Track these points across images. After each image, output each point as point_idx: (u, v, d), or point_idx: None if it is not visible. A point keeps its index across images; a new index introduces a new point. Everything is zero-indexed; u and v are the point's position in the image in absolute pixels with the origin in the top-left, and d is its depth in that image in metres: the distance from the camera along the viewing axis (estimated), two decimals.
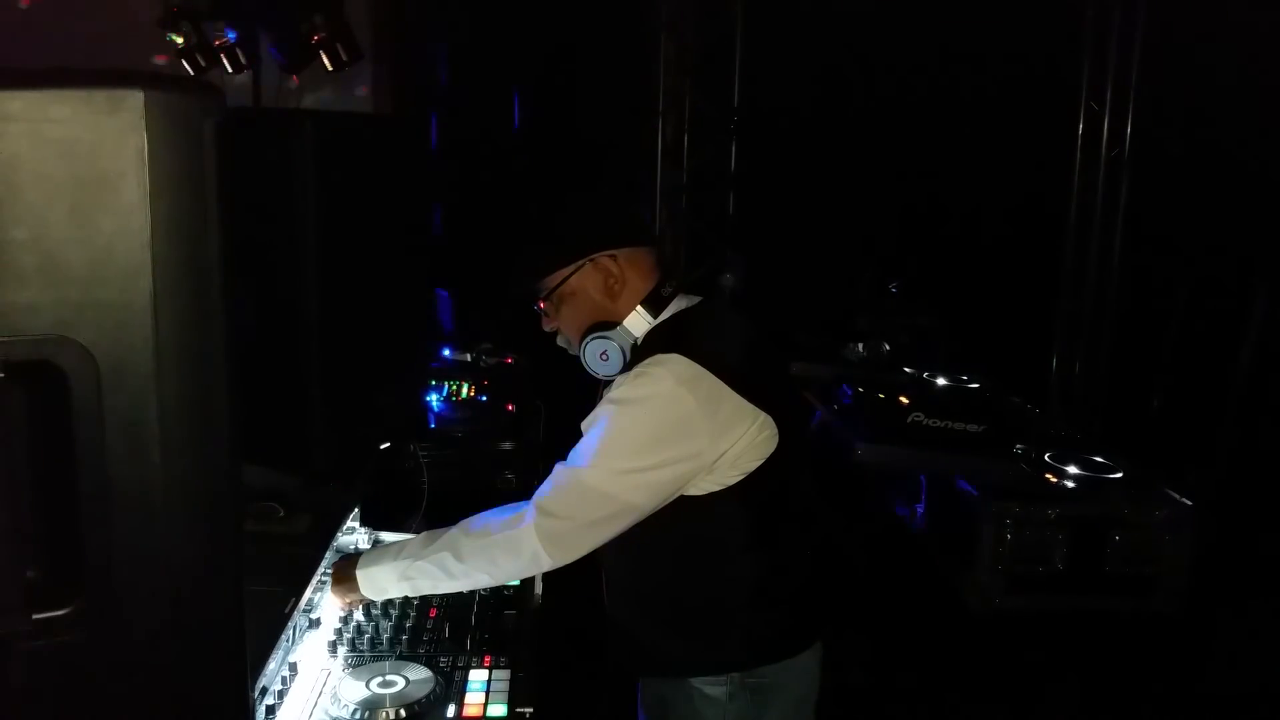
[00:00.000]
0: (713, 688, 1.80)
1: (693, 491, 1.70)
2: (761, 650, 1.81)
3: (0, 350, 0.88)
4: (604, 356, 1.77)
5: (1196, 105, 5.13)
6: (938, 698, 3.37)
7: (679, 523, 1.73)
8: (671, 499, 1.69)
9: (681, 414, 1.64)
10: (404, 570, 1.74)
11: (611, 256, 1.78)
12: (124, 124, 0.88)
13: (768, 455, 1.71)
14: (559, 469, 1.71)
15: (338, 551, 2.08)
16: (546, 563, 1.68)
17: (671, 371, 1.65)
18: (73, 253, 0.89)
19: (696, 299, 1.86)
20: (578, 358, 1.82)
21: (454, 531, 1.74)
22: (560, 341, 1.88)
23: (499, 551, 1.69)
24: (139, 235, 0.90)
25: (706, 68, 5.73)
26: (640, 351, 1.75)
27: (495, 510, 1.76)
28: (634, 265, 1.80)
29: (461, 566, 1.70)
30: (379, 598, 1.81)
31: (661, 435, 1.65)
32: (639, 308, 1.78)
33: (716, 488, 1.70)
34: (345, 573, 1.81)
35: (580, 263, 1.78)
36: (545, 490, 1.69)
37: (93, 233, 0.89)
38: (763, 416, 1.70)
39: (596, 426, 1.69)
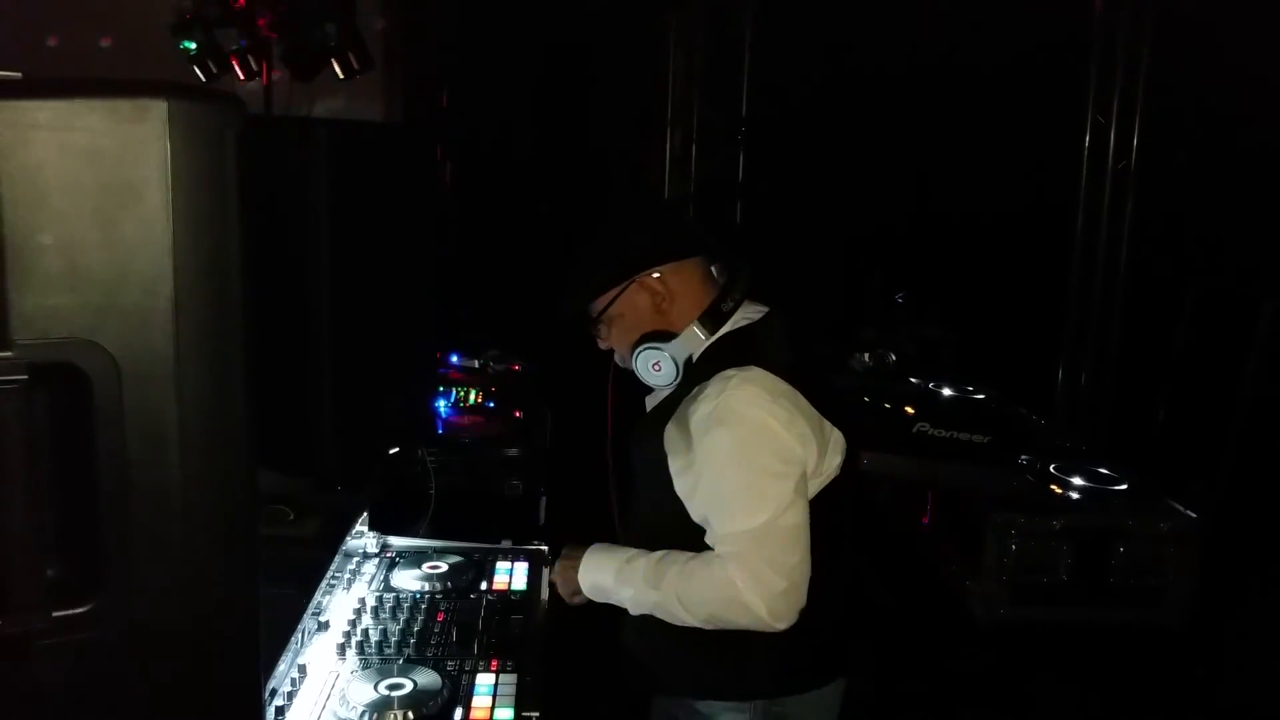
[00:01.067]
0: (733, 714, 1.79)
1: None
2: (787, 681, 1.80)
3: (25, 353, 0.90)
4: (656, 367, 1.76)
5: (1203, 118, 5.14)
6: (943, 708, 3.38)
7: (693, 531, 1.73)
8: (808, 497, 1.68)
9: (774, 423, 1.63)
10: (625, 599, 1.78)
11: (656, 275, 1.76)
12: (148, 133, 0.90)
13: (834, 474, 1.72)
14: (718, 538, 1.67)
15: (346, 555, 2.10)
16: (769, 619, 1.63)
17: (753, 382, 1.64)
18: (97, 258, 0.91)
19: (763, 309, 1.83)
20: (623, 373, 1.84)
21: (672, 582, 1.71)
22: (617, 359, 1.87)
23: (723, 612, 1.67)
24: (161, 241, 0.92)
25: (714, 78, 5.76)
26: (705, 365, 1.73)
27: (694, 558, 1.71)
28: (682, 279, 1.78)
29: (672, 608, 1.72)
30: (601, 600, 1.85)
31: (760, 440, 1.64)
32: (698, 324, 1.75)
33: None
34: (571, 563, 1.84)
35: (624, 285, 1.77)
36: (734, 570, 1.63)
37: (116, 238, 0.91)
38: (836, 433, 1.72)
39: (706, 469, 1.67)
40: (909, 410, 4.01)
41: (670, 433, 1.73)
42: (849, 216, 5.69)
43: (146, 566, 0.97)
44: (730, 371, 1.66)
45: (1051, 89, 5.53)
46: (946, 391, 4.60)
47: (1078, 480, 3.80)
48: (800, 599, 1.63)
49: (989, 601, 3.64)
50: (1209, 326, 5.29)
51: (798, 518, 1.64)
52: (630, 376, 1.85)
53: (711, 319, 1.76)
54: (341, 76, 4.47)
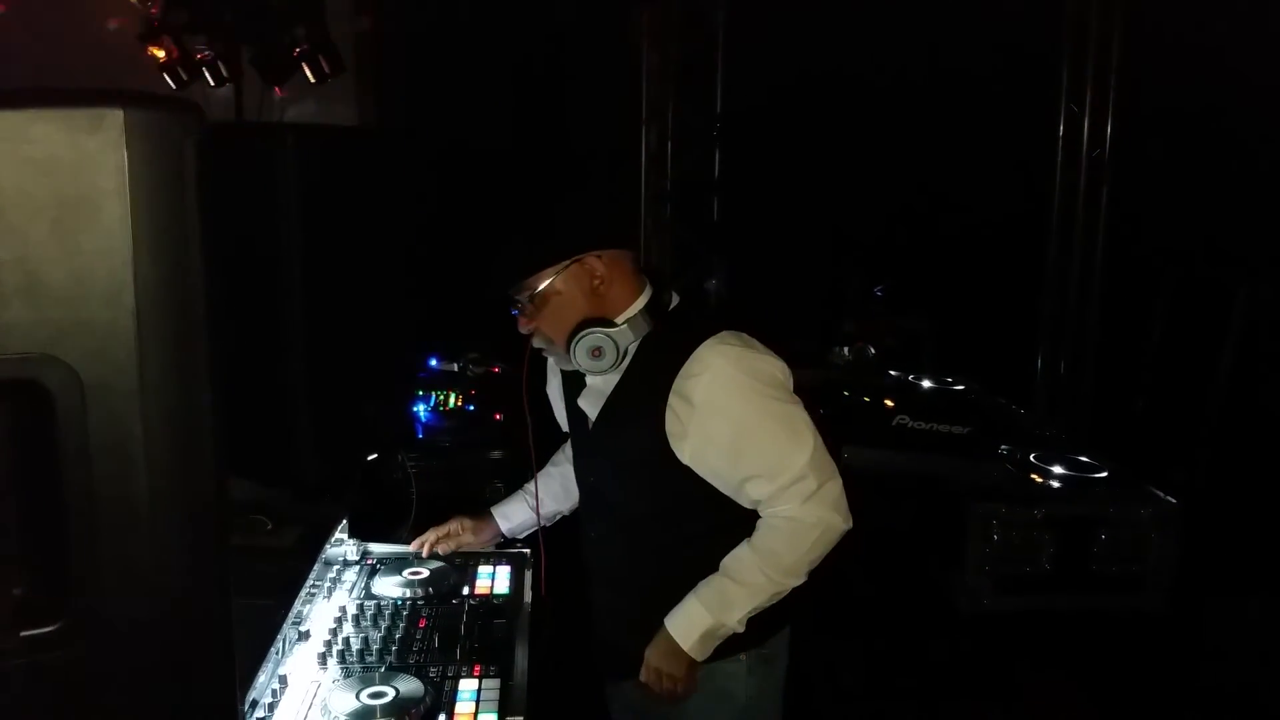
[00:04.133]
0: (731, 666, 1.86)
1: None
2: (769, 621, 1.86)
3: None
4: (597, 353, 1.77)
5: (1176, 106, 5.17)
6: (929, 698, 3.38)
7: (688, 510, 1.80)
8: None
9: (769, 365, 1.77)
10: (738, 617, 1.78)
11: (598, 257, 1.79)
12: (105, 142, 0.89)
13: None
14: (766, 488, 1.76)
15: (326, 563, 2.08)
16: (843, 525, 1.81)
17: (731, 342, 1.74)
18: (55, 271, 0.90)
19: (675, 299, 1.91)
20: (537, 356, 1.88)
21: (758, 579, 1.78)
22: (537, 341, 1.87)
23: (808, 551, 1.78)
24: (121, 253, 0.91)
25: (689, 76, 5.76)
26: (659, 347, 1.78)
27: (757, 541, 1.80)
28: (618, 267, 1.81)
29: (780, 585, 1.79)
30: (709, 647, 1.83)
31: (771, 389, 1.76)
32: (642, 315, 1.79)
33: None
34: (665, 655, 1.81)
35: (567, 263, 1.78)
36: (789, 501, 1.76)
37: (75, 251, 0.90)
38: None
39: (737, 435, 1.74)
40: (889, 403, 4.03)
41: (669, 415, 1.75)
42: (827, 211, 5.70)
43: (115, 584, 0.95)
44: (709, 341, 1.73)
45: (1025, 79, 5.55)
46: (926, 384, 4.62)
47: (1058, 469, 3.82)
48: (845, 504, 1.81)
49: (972, 592, 3.65)
50: (1185, 314, 5.33)
51: (817, 431, 1.79)
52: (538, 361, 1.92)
53: (655, 310, 1.81)
54: (313, 81, 4.44)
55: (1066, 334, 5.86)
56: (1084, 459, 3.92)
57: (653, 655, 1.82)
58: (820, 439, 1.78)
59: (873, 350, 4.83)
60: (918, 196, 5.79)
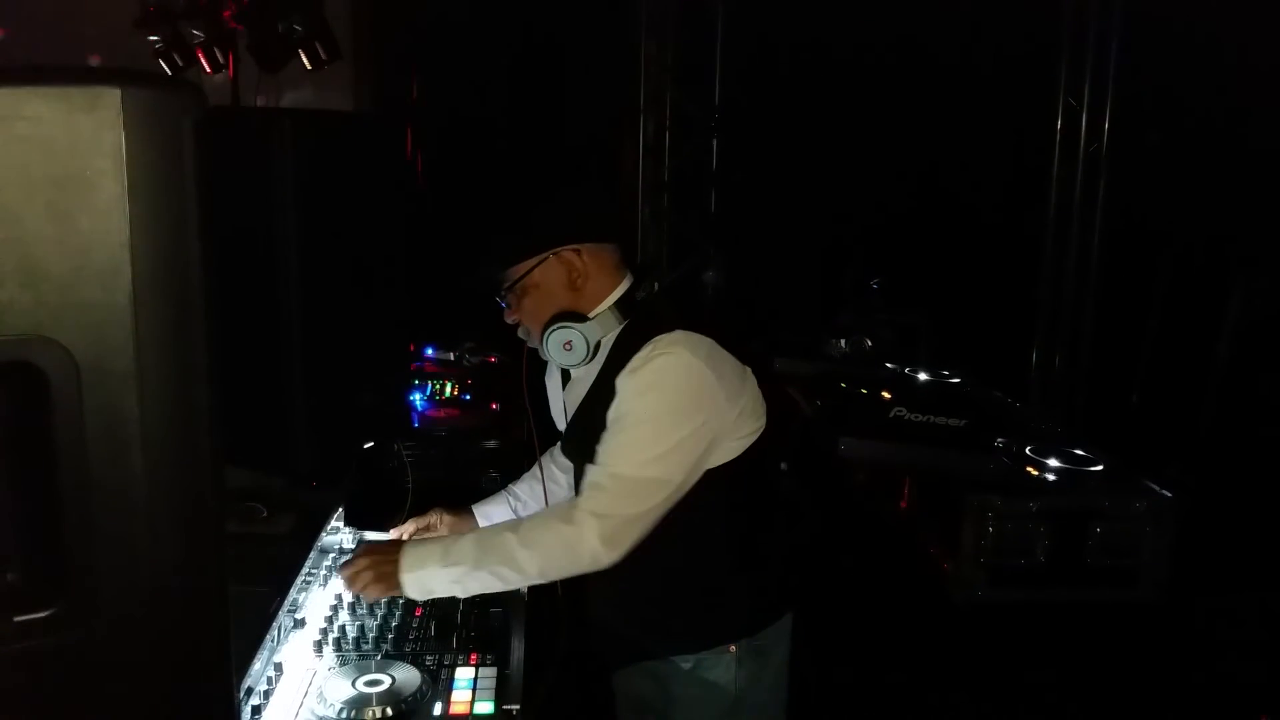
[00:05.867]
0: (719, 657, 1.86)
1: (713, 463, 1.77)
2: (761, 616, 1.89)
3: None
4: (568, 346, 1.80)
5: (1174, 101, 5.17)
6: (923, 691, 3.39)
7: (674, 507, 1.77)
8: (701, 470, 1.76)
9: (701, 381, 1.72)
10: (457, 577, 1.75)
11: (576, 251, 1.81)
12: (101, 121, 0.87)
13: (763, 424, 1.82)
14: (598, 472, 1.74)
15: (322, 551, 2.08)
16: (605, 561, 1.73)
17: (683, 346, 1.72)
18: (51, 252, 0.88)
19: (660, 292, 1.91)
20: (535, 349, 1.87)
21: (508, 540, 1.74)
22: (521, 333, 1.91)
23: (558, 560, 1.74)
24: (118, 234, 0.89)
25: (687, 66, 5.73)
26: (625, 344, 1.77)
27: (542, 516, 1.82)
28: (599, 261, 1.83)
29: (519, 576, 1.75)
30: (422, 598, 1.82)
31: (686, 405, 1.72)
32: (612, 309, 1.81)
33: (729, 458, 1.78)
34: (384, 561, 1.78)
35: (544, 255, 1.81)
36: (592, 495, 1.73)
37: (71, 232, 0.89)
38: (753, 378, 1.83)
39: (626, 420, 1.73)
40: (885, 395, 4.02)
41: (612, 407, 1.76)
42: (824, 203, 5.69)
43: (110, 569, 0.94)
44: (661, 338, 1.73)
45: (1023, 73, 5.55)
46: (922, 376, 4.62)
47: (1053, 462, 3.82)
48: (626, 546, 1.72)
49: (966, 583, 3.65)
50: (1181, 307, 5.33)
51: (675, 474, 1.72)
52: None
53: (626, 306, 1.82)
54: (309, 67, 4.42)
55: (1062, 327, 5.86)
56: (1079, 452, 3.92)
57: (370, 560, 1.80)
58: (680, 483, 1.72)
59: (869, 342, 4.83)
60: (915, 189, 5.79)
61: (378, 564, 1.79)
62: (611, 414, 1.76)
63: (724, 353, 1.77)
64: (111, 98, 0.87)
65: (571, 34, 5.69)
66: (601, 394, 1.80)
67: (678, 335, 1.73)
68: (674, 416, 1.71)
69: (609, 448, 1.74)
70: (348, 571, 1.82)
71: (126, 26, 4.50)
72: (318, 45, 4.36)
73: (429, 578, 1.76)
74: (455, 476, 2.92)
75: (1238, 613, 3.79)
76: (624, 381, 1.74)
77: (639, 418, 1.72)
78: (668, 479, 1.72)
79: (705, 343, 1.74)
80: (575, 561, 1.73)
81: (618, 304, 1.82)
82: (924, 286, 5.47)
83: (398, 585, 1.76)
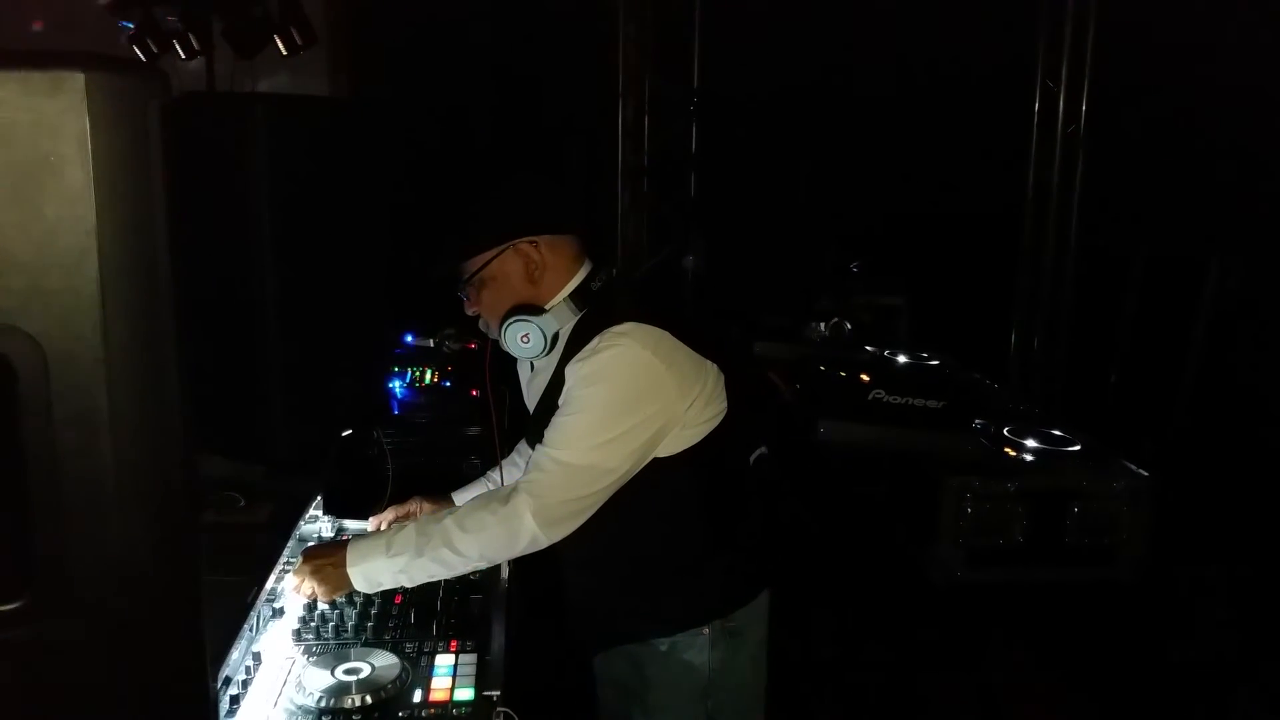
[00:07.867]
0: (693, 639, 1.86)
1: (664, 453, 1.76)
2: (734, 595, 1.89)
3: None
4: (525, 339, 1.80)
5: (1151, 83, 5.19)
6: (902, 670, 3.42)
7: (643, 488, 1.77)
8: (647, 459, 1.75)
9: (649, 374, 1.71)
10: (402, 566, 1.75)
11: (533, 243, 1.81)
12: (64, 106, 0.86)
13: (724, 409, 1.81)
14: (541, 454, 1.75)
15: (301, 540, 2.07)
16: (544, 542, 1.74)
17: (632, 338, 1.71)
18: (15, 240, 0.87)
19: (618, 280, 1.90)
20: (496, 341, 1.86)
21: (448, 525, 1.74)
22: (481, 325, 1.92)
23: (497, 542, 1.73)
24: (84, 221, 0.88)
25: (665, 49, 5.71)
26: (582, 331, 1.77)
27: (483, 499, 1.80)
28: (557, 252, 1.83)
29: (461, 559, 1.74)
30: (371, 590, 1.81)
31: (633, 398, 1.71)
32: (568, 301, 1.81)
33: (686, 445, 1.77)
34: (328, 563, 1.78)
35: (501, 248, 1.80)
36: (532, 477, 1.73)
37: (35, 219, 0.87)
38: (713, 367, 1.80)
39: (571, 406, 1.73)
40: (865, 378, 4.04)
41: (563, 396, 1.77)
42: (804, 187, 5.69)
43: (80, 559, 0.93)
44: (613, 329, 1.72)
45: (1001, 55, 5.55)
46: (901, 358, 4.64)
47: (1031, 443, 3.85)
48: (566, 530, 1.73)
49: (945, 564, 3.68)
50: (1157, 289, 5.37)
51: (618, 463, 1.72)
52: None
53: (581, 297, 1.82)
54: (284, 53, 4.38)
55: (1040, 309, 5.90)
56: (1057, 433, 3.95)
57: (312, 565, 1.79)
58: (623, 471, 1.72)
59: (849, 325, 4.85)
60: (894, 172, 5.80)
61: (319, 567, 1.79)
62: (561, 400, 1.76)
63: (677, 343, 1.74)
64: (75, 82, 0.86)
65: (549, 15, 5.66)
66: (558, 384, 1.80)
67: (628, 327, 1.72)
68: (619, 407, 1.71)
69: (554, 432, 1.75)
70: (293, 582, 1.82)
71: (99, 12, 4.45)
72: (293, 30, 4.32)
73: (374, 570, 1.76)
74: (435, 464, 2.91)
75: (1213, 588, 3.84)
76: (573, 369, 1.74)
77: (584, 405, 1.72)
78: (610, 467, 1.72)
79: (655, 333, 1.72)
80: (513, 543, 1.73)
81: (573, 295, 1.82)
82: (903, 269, 5.49)
83: (346, 581, 1.77)
